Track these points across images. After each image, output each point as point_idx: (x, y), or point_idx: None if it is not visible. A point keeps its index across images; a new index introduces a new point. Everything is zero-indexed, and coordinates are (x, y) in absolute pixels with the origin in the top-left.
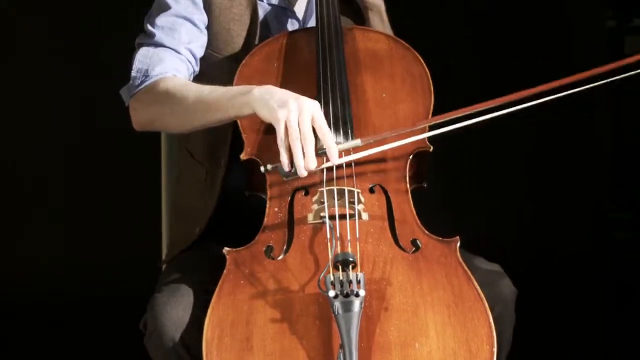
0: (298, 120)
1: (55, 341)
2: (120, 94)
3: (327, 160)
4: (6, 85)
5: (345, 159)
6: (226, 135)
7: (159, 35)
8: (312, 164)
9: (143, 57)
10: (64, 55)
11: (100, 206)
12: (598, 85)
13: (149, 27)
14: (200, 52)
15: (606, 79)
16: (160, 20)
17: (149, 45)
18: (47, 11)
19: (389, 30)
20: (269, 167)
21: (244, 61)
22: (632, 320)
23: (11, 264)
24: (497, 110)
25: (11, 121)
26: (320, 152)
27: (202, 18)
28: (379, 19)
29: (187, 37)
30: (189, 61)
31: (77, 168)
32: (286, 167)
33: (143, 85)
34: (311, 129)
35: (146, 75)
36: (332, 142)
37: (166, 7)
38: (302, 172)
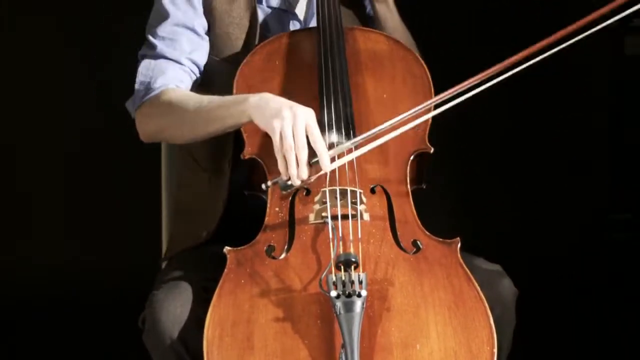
0: (292, 129)
1: (55, 340)
2: (126, 106)
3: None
4: (6, 86)
5: (339, 163)
6: (228, 137)
7: (160, 46)
8: (304, 173)
9: (145, 69)
10: (65, 55)
11: (100, 206)
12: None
13: (151, 38)
14: (203, 60)
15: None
16: (161, 30)
17: (150, 57)
18: (49, 12)
19: (397, 19)
20: (269, 183)
21: (245, 60)
22: (632, 321)
23: (11, 264)
24: (488, 82)
25: (11, 122)
26: (314, 162)
27: (202, 23)
28: (386, 8)
29: (188, 47)
30: (192, 71)
31: (77, 168)
32: (285, 175)
33: (146, 98)
34: (305, 137)
35: (149, 88)
36: (324, 149)
37: (166, 16)
38: (296, 182)
